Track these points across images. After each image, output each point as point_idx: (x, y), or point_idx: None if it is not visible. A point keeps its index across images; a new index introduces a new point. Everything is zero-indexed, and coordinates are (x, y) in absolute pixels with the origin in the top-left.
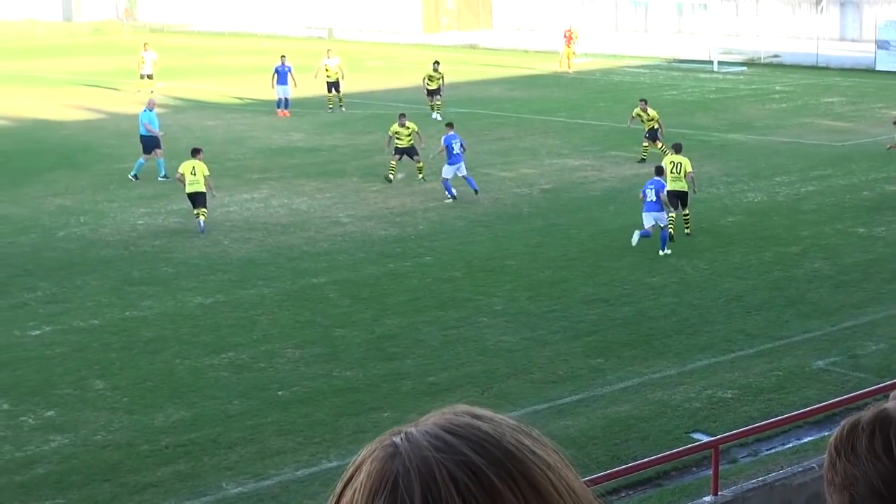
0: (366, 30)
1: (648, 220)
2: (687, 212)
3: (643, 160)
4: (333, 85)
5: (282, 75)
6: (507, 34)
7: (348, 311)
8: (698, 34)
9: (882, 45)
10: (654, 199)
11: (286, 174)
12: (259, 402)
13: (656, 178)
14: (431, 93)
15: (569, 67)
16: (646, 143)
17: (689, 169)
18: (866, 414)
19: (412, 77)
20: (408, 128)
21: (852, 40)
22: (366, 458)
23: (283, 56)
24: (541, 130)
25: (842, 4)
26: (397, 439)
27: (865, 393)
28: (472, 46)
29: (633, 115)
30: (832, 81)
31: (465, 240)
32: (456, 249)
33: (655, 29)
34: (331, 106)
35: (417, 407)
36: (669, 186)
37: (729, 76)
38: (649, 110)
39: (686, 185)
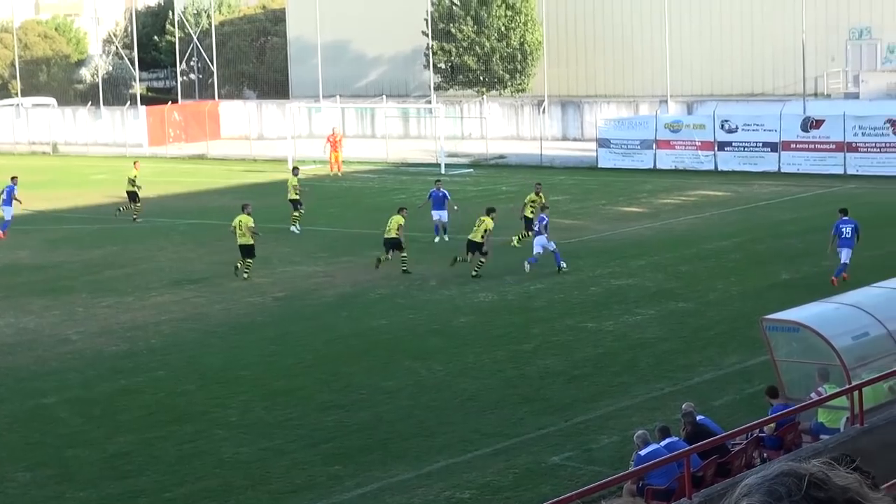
0: (91, 144)
1: (844, 254)
2: (483, 260)
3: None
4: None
5: (8, 194)
6: (235, 143)
7: (80, 430)
8: (425, 138)
9: (603, 143)
10: (850, 235)
11: (12, 293)
12: None
13: (845, 217)
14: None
15: (339, 170)
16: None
17: (490, 227)
18: None
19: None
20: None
21: (574, 139)
22: None
23: (14, 177)
24: (272, 238)
25: (563, 105)
26: None
27: (600, 485)
28: (201, 157)
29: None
30: (557, 180)
31: (199, 352)
32: (189, 362)
33: (382, 134)
34: (136, 215)
35: None
36: (470, 236)
37: (456, 178)
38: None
39: (481, 238)
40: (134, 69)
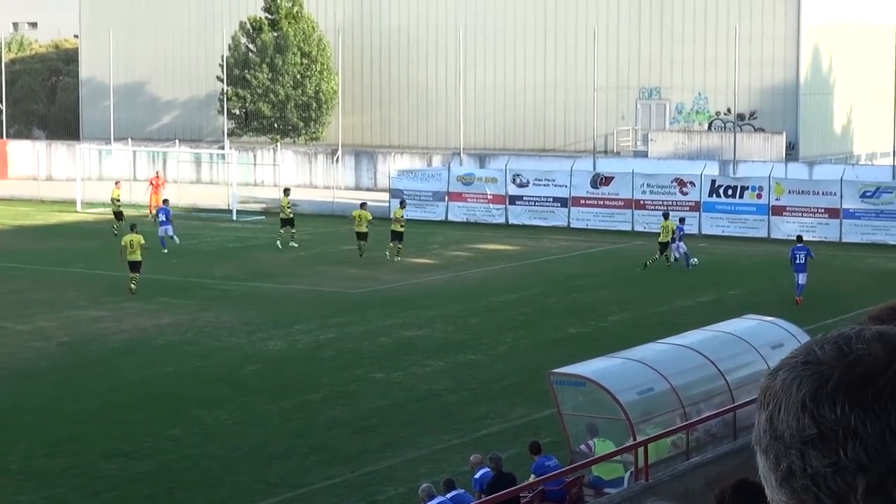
0: None
1: (800, 277)
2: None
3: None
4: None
5: None
6: (23, 184)
7: None
8: (218, 184)
9: (396, 194)
10: (803, 261)
11: None
12: None
13: (799, 245)
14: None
15: None
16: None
17: (674, 227)
18: None
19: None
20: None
21: (367, 189)
22: None
23: None
24: (58, 282)
25: (356, 155)
26: None
27: None
28: None
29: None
30: (348, 229)
31: None
32: None
33: (174, 178)
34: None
35: None
36: (660, 238)
37: (248, 225)
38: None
39: (668, 239)
40: None
